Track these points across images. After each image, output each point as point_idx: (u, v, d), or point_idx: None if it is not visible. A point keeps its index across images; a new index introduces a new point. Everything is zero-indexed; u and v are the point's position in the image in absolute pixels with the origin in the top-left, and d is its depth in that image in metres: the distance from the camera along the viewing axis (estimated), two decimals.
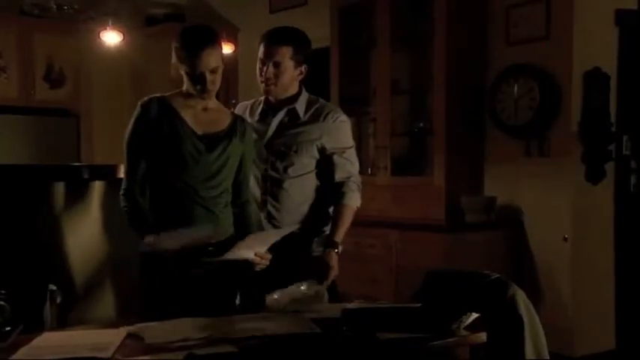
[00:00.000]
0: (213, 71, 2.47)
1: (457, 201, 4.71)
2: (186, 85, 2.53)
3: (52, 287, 2.42)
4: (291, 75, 2.82)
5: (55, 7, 5.59)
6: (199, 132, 2.52)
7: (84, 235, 3.06)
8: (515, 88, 4.62)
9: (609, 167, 4.59)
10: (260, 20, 6.59)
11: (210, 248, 2.47)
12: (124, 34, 6.05)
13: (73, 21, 6.97)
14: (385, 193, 4.96)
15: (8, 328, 1.84)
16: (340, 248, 2.84)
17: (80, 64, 7.14)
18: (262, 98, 2.99)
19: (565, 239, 4.44)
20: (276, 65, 2.77)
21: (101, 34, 5.91)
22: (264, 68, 2.79)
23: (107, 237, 3.12)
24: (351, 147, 2.96)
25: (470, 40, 4.85)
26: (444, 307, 2.19)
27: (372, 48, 5.33)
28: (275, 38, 2.79)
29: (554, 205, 4.53)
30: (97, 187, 3.08)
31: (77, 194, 3.06)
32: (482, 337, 2.16)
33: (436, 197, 4.72)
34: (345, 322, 2.19)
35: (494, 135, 4.82)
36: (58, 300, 2.42)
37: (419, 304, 2.24)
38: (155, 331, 2.12)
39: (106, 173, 3.00)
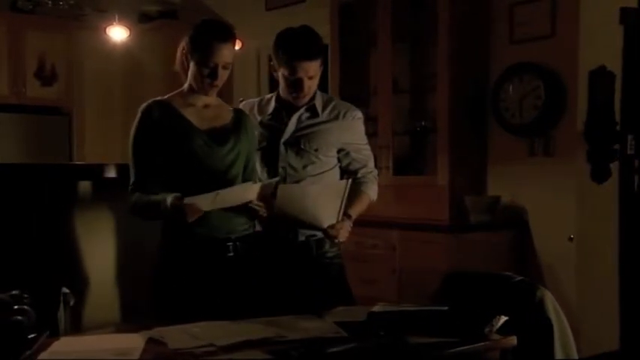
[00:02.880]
0: (224, 67, 2.45)
1: (461, 201, 4.66)
2: (191, 80, 2.50)
3: (65, 290, 2.34)
4: (318, 78, 2.80)
5: (50, 2, 5.48)
6: (204, 127, 2.49)
7: (94, 236, 2.98)
8: (520, 87, 4.58)
9: (614, 167, 4.56)
10: (256, 17, 6.52)
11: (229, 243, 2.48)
12: (130, 31, 5.97)
13: (64, 17, 6.87)
14: (387, 192, 4.85)
15: (33, 335, 1.75)
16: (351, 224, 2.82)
17: (72, 61, 7.05)
18: (270, 95, 2.94)
19: (571, 239, 4.41)
20: (311, 78, 2.74)
21: (107, 30, 5.81)
22: (302, 85, 2.72)
23: (116, 237, 3.04)
24: (367, 142, 2.98)
25: (473, 39, 4.80)
26: (473, 310, 2.14)
27: (372, 46, 5.27)
28: (308, 53, 2.69)
29: (558, 205, 4.49)
30: (107, 186, 3.00)
31: (88, 194, 2.98)
32: (513, 340, 2.11)
33: (440, 197, 4.67)
34: (372, 326, 2.13)
35: (498, 134, 4.78)
36: (72, 303, 2.34)
37: (446, 307, 2.19)
38: (178, 335, 2.05)
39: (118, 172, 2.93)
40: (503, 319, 2.12)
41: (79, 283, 2.85)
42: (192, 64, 2.47)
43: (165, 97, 2.54)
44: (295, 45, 2.69)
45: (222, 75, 2.45)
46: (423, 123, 5.00)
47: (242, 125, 2.58)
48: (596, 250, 4.53)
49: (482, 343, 2.03)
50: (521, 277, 2.51)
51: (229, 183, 2.49)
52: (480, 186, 4.83)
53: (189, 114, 2.49)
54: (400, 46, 5.10)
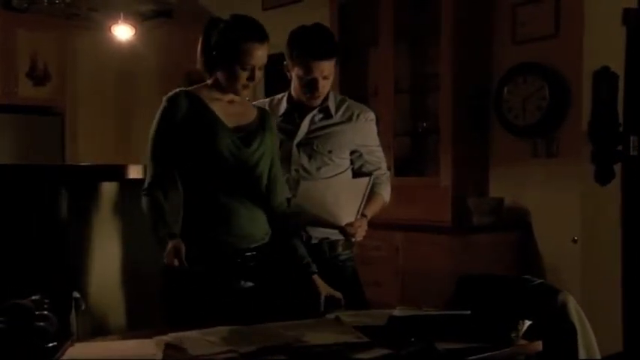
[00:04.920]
0: (260, 68, 2.38)
1: (463, 202, 4.62)
2: (222, 79, 2.40)
3: (76, 294, 2.27)
4: (332, 78, 2.74)
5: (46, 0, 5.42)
6: (231, 125, 2.41)
7: (99, 239, 2.90)
8: (524, 88, 4.55)
9: (617, 168, 4.54)
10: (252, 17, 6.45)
11: (248, 253, 2.41)
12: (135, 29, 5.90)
13: (57, 16, 6.79)
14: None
15: (53, 344, 1.66)
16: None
17: (64, 60, 6.97)
18: (281, 96, 2.89)
19: (575, 241, 4.38)
20: (326, 77, 2.69)
21: (113, 28, 5.75)
22: (316, 85, 2.68)
23: (121, 241, 2.97)
24: (379, 144, 2.94)
25: (476, 39, 4.77)
26: (497, 315, 2.10)
27: (372, 46, 5.23)
28: (323, 53, 2.65)
29: (562, 207, 4.46)
30: (113, 189, 2.93)
31: (96, 197, 2.91)
32: (539, 345, 2.07)
33: (443, 198, 4.63)
34: (394, 331, 2.08)
35: (501, 135, 4.75)
36: (83, 307, 2.27)
37: (468, 311, 2.14)
38: (197, 341, 1.99)
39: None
40: (528, 323, 2.08)
41: (83, 287, 2.78)
42: (225, 65, 2.36)
43: (191, 88, 2.44)
44: (311, 44, 2.64)
45: (259, 75, 2.38)
46: (424, 124, 4.97)
47: (267, 125, 2.51)
48: (601, 252, 4.51)
49: (511, 349, 1.99)
50: (540, 280, 2.47)
51: (253, 183, 2.43)
52: (482, 187, 4.80)
53: (216, 109, 2.41)
54: (401, 46, 5.06)
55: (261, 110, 2.57)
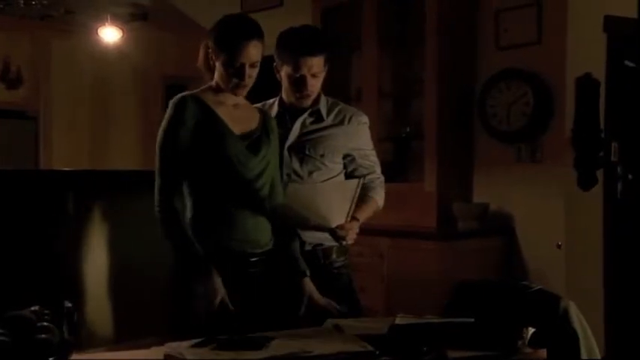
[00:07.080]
0: (253, 65, 2.33)
1: (448, 208, 4.61)
2: (218, 79, 2.37)
3: (68, 304, 2.20)
4: (322, 78, 2.70)
5: (22, 1, 5.31)
6: (237, 131, 2.37)
7: (94, 248, 2.83)
8: (508, 93, 4.56)
9: (600, 174, 4.57)
10: None
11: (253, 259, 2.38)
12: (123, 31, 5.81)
13: (31, 18, 6.67)
14: None
15: (52, 359, 1.58)
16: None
17: (39, 63, 6.85)
18: (273, 100, 2.85)
19: (559, 246, 4.39)
20: (315, 75, 2.64)
21: (99, 30, 5.67)
22: (305, 82, 2.63)
23: (119, 250, 2.90)
24: (373, 148, 2.91)
25: (460, 44, 4.77)
26: (502, 323, 2.07)
27: (355, 51, 5.20)
28: (311, 49, 2.61)
29: (546, 212, 4.48)
30: (113, 195, 2.86)
31: (92, 203, 2.83)
32: (544, 353, 2.05)
33: (427, 204, 4.62)
34: (397, 339, 2.05)
35: (485, 140, 4.75)
36: (75, 318, 2.20)
37: (471, 319, 2.12)
38: (198, 352, 1.94)
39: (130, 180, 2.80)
40: (532, 331, 2.07)
41: (75, 297, 2.70)
42: (218, 64, 2.34)
43: (196, 91, 2.40)
44: (298, 41, 2.61)
45: (251, 73, 2.33)
46: (408, 129, 4.96)
47: (269, 128, 2.48)
48: (585, 257, 4.52)
49: (518, 357, 1.97)
50: (539, 286, 2.45)
51: (258, 189, 2.38)
52: (467, 193, 4.79)
53: (222, 114, 2.36)
54: (385, 50, 5.04)
55: (263, 113, 2.54)
